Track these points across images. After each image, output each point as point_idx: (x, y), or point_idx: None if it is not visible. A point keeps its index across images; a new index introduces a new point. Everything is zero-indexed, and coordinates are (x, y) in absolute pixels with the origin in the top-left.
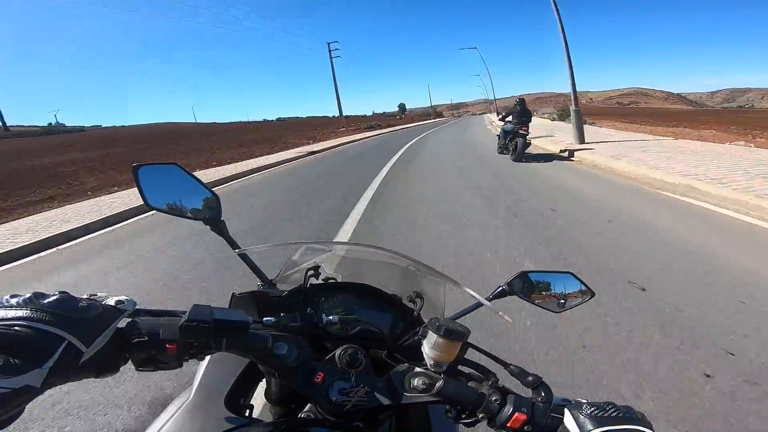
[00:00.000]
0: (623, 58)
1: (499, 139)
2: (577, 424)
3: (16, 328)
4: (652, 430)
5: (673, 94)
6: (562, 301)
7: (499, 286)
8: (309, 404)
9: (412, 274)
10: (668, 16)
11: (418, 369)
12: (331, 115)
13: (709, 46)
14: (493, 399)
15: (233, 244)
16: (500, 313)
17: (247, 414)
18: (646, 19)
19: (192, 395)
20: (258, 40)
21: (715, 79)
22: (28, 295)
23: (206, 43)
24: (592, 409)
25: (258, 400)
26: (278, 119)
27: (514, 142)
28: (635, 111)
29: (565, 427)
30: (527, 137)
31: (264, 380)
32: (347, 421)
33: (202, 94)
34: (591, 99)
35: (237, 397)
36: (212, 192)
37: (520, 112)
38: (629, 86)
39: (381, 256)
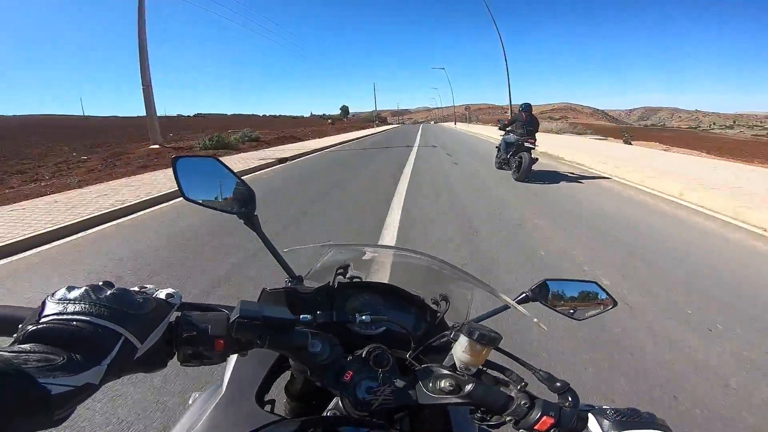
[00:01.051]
0: (556, 74)
1: (498, 151)
2: (601, 428)
3: (75, 323)
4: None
5: (597, 110)
6: (583, 309)
7: (522, 293)
8: (333, 402)
9: (439, 276)
10: (594, 38)
11: (444, 371)
12: (261, 113)
13: (627, 66)
14: (522, 403)
15: (265, 240)
16: (535, 320)
17: (268, 409)
18: (573, 38)
19: (224, 390)
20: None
21: (632, 97)
22: (85, 288)
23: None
24: (615, 414)
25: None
26: (197, 115)
27: (518, 156)
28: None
29: (588, 430)
30: (534, 150)
31: (283, 374)
32: (371, 418)
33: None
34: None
35: (264, 393)
36: (248, 187)
37: (526, 121)
38: (560, 101)
39: (416, 259)
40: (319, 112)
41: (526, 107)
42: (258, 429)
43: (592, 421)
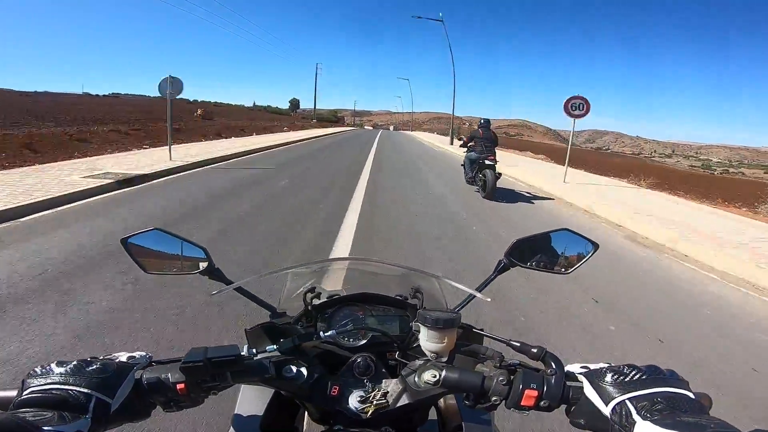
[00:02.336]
0: (516, 90)
1: (464, 168)
2: (599, 395)
3: (53, 392)
4: (688, 388)
5: (550, 129)
6: (565, 260)
7: (500, 261)
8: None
9: (407, 275)
10: (552, 57)
11: (428, 363)
12: (193, 98)
13: (579, 87)
14: (499, 379)
15: (235, 286)
16: (481, 296)
17: None
18: (532, 57)
19: (231, 428)
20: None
21: (582, 120)
22: (54, 364)
23: None
24: (613, 374)
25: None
26: (113, 94)
27: (482, 174)
28: (527, 145)
29: (586, 398)
30: (496, 167)
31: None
32: (375, 428)
33: None
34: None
35: (274, 424)
36: (199, 246)
37: (484, 138)
38: (515, 117)
39: (365, 265)
40: (268, 103)
41: (485, 123)
42: None
43: (587, 387)
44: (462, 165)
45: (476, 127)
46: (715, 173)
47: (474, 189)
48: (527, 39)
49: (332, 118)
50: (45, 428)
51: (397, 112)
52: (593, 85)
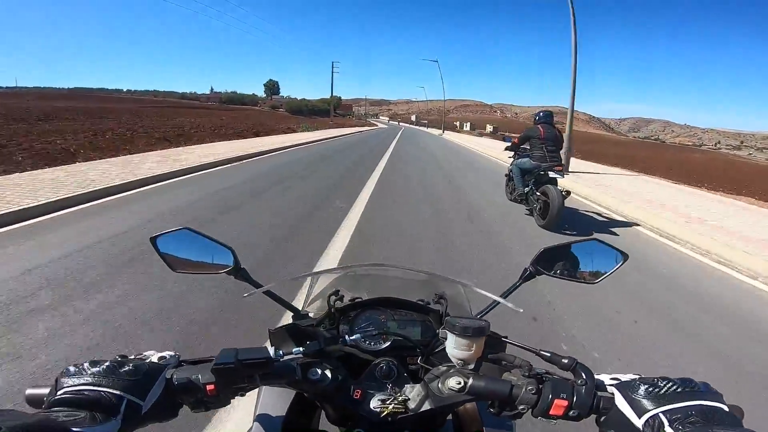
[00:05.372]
0: (547, 74)
1: (509, 180)
2: (632, 407)
3: (85, 392)
4: (722, 401)
5: (594, 117)
6: (594, 270)
7: (525, 269)
8: None
9: (431, 280)
10: (590, 39)
11: (452, 370)
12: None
13: (618, 73)
14: (528, 389)
15: (256, 285)
16: (511, 305)
17: None
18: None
19: (252, 428)
20: None
21: (622, 106)
22: (88, 363)
23: None
24: (646, 386)
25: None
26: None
27: (540, 191)
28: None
29: (618, 410)
30: (562, 180)
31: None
32: (396, 431)
33: None
34: (516, 114)
35: (296, 425)
36: (227, 246)
37: (546, 138)
38: (553, 104)
39: (390, 270)
40: (234, 89)
41: (545, 118)
42: None
43: (618, 398)
44: (507, 175)
45: (534, 123)
46: None
47: (524, 211)
48: (565, 17)
49: (321, 108)
50: (76, 429)
51: (419, 101)
52: (636, 67)
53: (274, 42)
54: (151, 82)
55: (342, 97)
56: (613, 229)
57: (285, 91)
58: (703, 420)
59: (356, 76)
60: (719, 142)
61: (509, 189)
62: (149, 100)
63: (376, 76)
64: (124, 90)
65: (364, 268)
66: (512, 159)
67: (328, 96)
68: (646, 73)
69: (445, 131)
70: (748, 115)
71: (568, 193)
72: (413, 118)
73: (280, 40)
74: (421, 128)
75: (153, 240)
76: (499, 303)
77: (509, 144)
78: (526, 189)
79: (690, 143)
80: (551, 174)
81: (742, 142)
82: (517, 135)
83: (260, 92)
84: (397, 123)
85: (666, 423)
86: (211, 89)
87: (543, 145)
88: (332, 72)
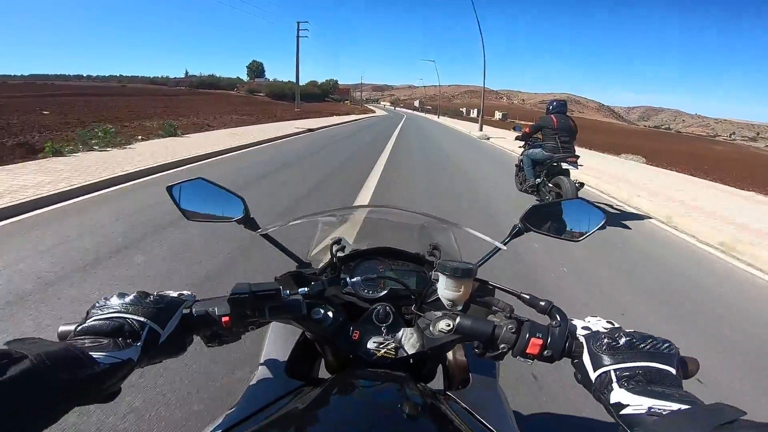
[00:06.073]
0: (554, 61)
1: (518, 170)
2: (591, 359)
3: (112, 319)
4: (672, 362)
5: (603, 105)
6: (577, 228)
7: (515, 226)
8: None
9: (426, 230)
10: (595, 24)
11: (438, 313)
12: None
13: (627, 61)
14: (509, 327)
15: (267, 237)
16: (499, 244)
17: (300, 382)
18: (578, 26)
19: (258, 369)
20: None
21: (631, 95)
22: (115, 296)
23: None
24: (608, 341)
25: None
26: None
27: (553, 182)
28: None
29: (582, 358)
30: (576, 171)
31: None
32: (392, 371)
33: None
34: (524, 101)
35: (299, 367)
36: (238, 196)
37: (560, 128)
38: (561, 91)
39: (391, 214)
40: (211, 72)
41: (558, 107)
42: (286, 394)
43: (585, 348)
44: (517, 165)
45: (546, 113)
46: None
47: (535, 201)
48: (573, 2)
49: (312, 93)
50: (97, 355)
51: (421, 87)
52: (646, 54)
53: (264, 19)
54: (124, 67)
55: (339, 81)
56: (626, 222)
57: (274, 75)
58: (647, 380)
59: (358, 61)
60: (734, 133)
61: (519, 180)
62: (102, 86)
63: (379, 61)
64: (84, 76)
65: (366, 210)
66: (522, 149)
67: (318, 79)
68: (657, 61)
69: (452, 120)
70: (761, 105)
71: (582, 185)
72: (416, 103)
73: (270, 17)
74: (428, 115)
75: (169, 189)
76: (492, 255)
77: (519, 133)
78: (538, 180)
79: (704, 134)
80: (564, 165)
81: (758, 134)
82: (529, 123)
83: (247, 76)
84: (393, 108)
85: (614, 380)
86: (186, 73)
87: (556, 136)
88: (297, 36)
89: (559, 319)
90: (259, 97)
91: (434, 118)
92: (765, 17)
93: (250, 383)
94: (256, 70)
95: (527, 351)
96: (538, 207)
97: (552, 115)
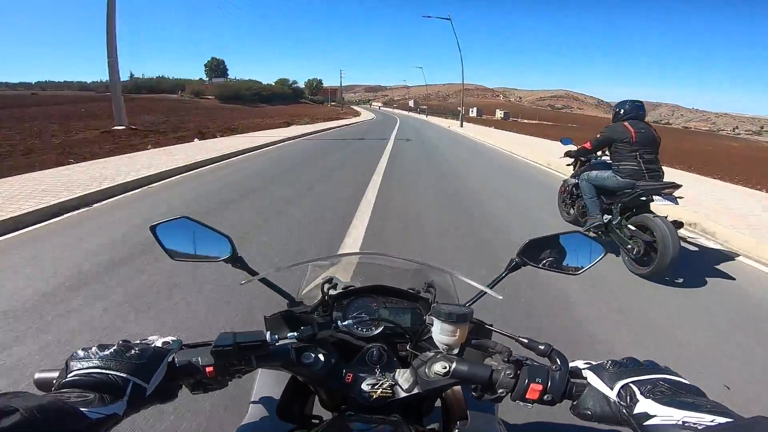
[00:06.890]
0: (550, 56)
1: (568, 197)
2: (604, 381)
3: (94, 375)
4: (680, 376)
5: (603, 102)
6: (576, 262)
7: (512, 260)
8: None
9: (420, 270)
10: (589, 18)
11: (438, 355)
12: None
13: (622, 56)
14: (506, 373)
15: (253, 273)
16: (493, 293)
17: (292, 426)
18: (573, 19)
19: (248, 412)
20: None
21: (626, 90)
22: (95, 348)
23: None
24: (615, 365)
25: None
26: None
27: (635, 223)
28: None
29: (592, 388)
30: (667, 206)
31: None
32: (386, 414)
33: None
34: (520, 98)
35: (291, 408)
36: (224, 235)
37: (639, 141)
38: (558, 88)
39: (382, 259)
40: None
41: (633, 111)
42: None
43: (591, 377)
44: (565, 190)
45: (615, 120)
46: None
47: (604, 244)
48: None
49: (279, 93)
50: (84, 410)
51: (415, 87)
52: (641, 48)
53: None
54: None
55: (323, 81)
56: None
57: (242, 73)
58: (671, 390)
59: (351, 62)
60: (737, 127)
61: (565, 208)
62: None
63: (371, 63)
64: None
65: (355, 256)
66: (573, 168)
67: (288, 77)
68: (653, 55)
69: (440, 119)
70: (759, 97)
71: (681, 224)
72: (411, 103)
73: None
74: (429, 117)
75: (152, 229)
76: (485, 293)
77: (573, 149)
78: (608, 218)
79: (706, 128)
80: (658, 200)
81: (762, 127)
82: (591, 135)
83: (206, 75)
84: (378, 108)
85: (637, 392)
86: (131, 75)
87: (636, 153)
88: (340, 80)
89: (559, 363)
90: (205, 100)
91: (424, 117)
92: (760, 10)
93: (241, 425)
94: (216, 69)
95: (527, 396)
96: (535, 240)
97: (626, 123)
